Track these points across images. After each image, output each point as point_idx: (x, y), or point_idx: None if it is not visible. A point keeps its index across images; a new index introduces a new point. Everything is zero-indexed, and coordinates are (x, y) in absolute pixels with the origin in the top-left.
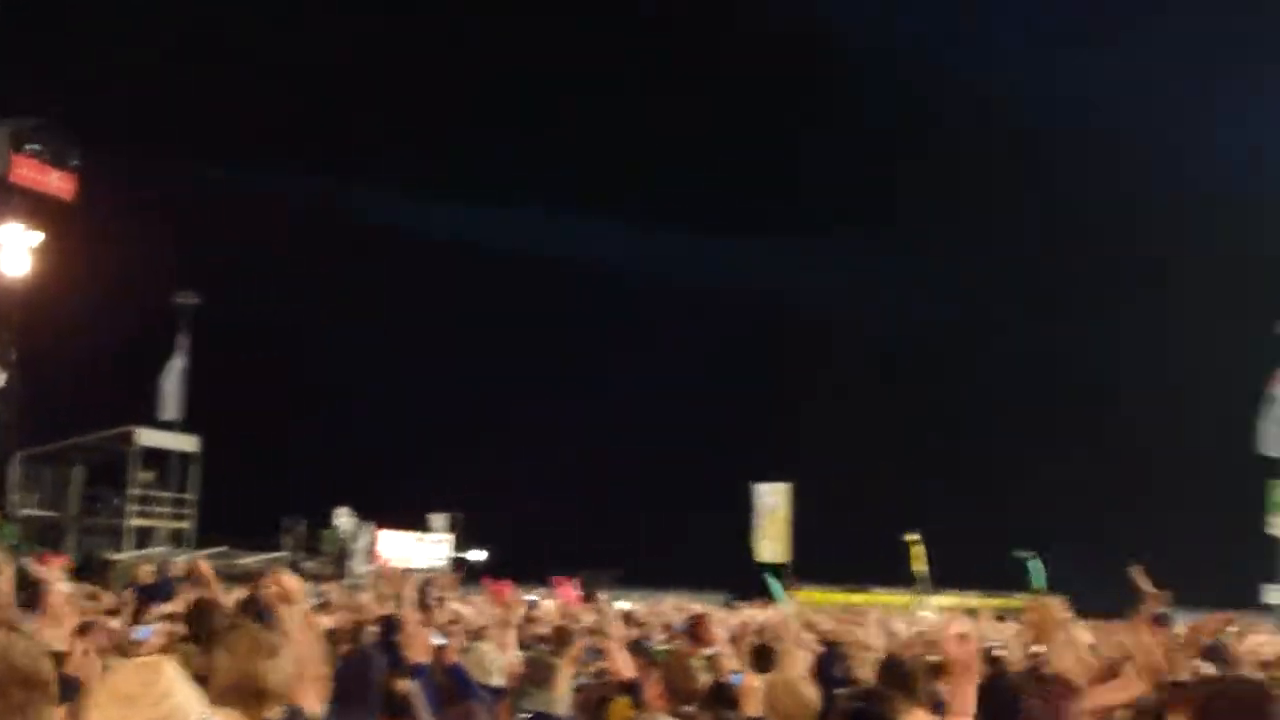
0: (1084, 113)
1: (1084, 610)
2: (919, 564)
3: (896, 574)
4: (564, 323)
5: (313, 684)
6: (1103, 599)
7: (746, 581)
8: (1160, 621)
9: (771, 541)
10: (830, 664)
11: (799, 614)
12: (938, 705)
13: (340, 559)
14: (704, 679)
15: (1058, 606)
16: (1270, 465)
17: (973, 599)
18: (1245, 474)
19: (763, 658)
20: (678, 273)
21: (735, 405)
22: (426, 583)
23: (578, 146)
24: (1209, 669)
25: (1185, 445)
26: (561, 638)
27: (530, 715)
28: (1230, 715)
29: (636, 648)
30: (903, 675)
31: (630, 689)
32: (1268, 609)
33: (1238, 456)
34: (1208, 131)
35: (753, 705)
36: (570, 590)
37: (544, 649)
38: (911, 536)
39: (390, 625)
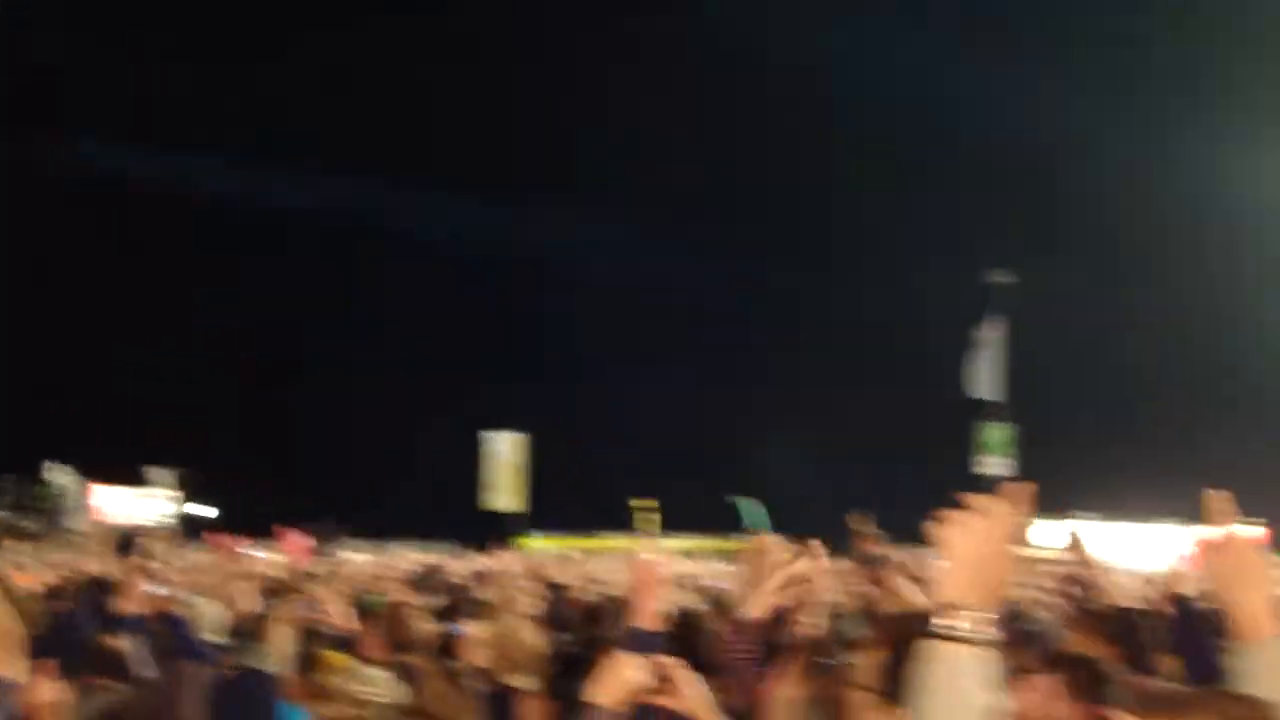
0: (795, 53)
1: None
2: (648, 525)
3: (629, 521)
4: (291, 274)
5: (5, 646)
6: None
7: (478, 530)
8: (873, 563)
9: (503, 491)
10: (558, 611)
11: (529, 561)
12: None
13: (54, 515)
14: (426, 629)
15: (776, 546)
16: (978, 408)
17: (698, 542)
18: (956, 416)
19: (489, 607)
20: (407, 223)
21: (467, 356)
22: (136, 536)
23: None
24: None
25: (898, 388)
26: (281, 590)
27: (239, 669)
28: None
29: (356, 600)
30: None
31: (346, 641)
32: None
33: (948, 399)
34: (917, 79)
35: (476, 654)
36: (299, 543)
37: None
38: (641, 503)
39: (102, 582)
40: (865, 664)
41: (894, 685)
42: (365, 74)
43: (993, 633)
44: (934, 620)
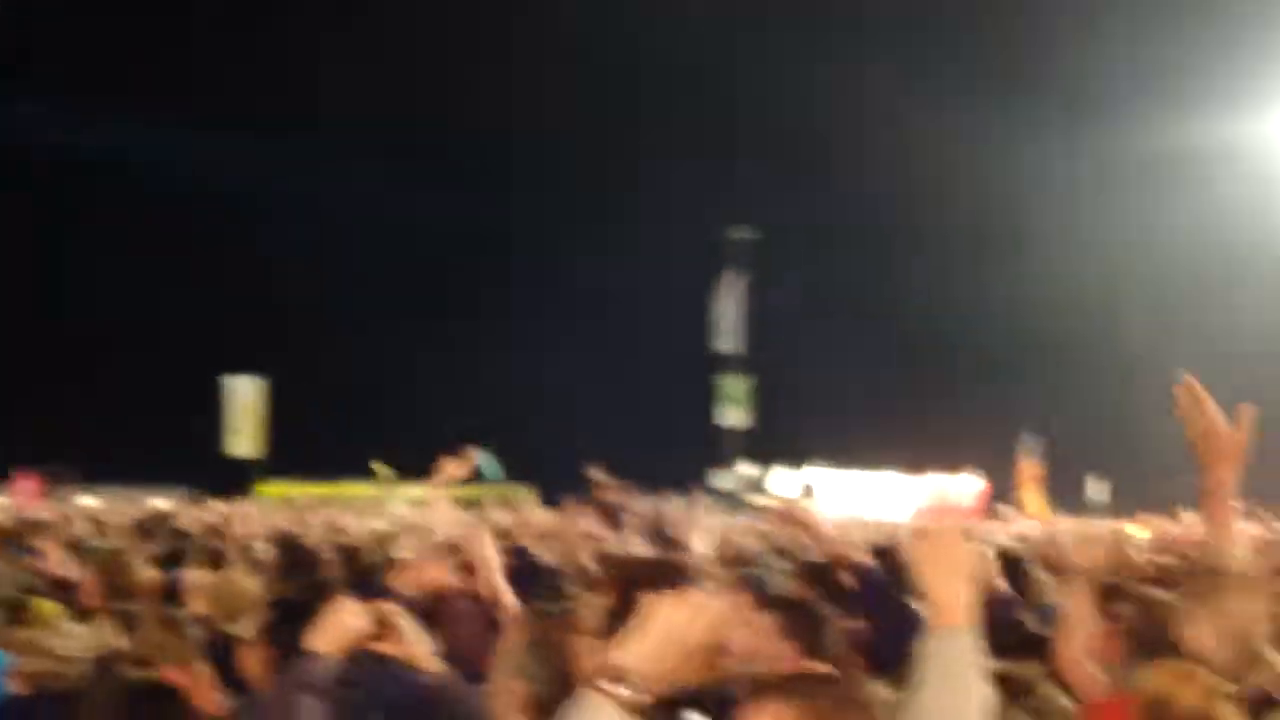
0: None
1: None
2: (386, 475)
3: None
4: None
5: None
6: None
7: (217, 476)
8: (610, 510)
9: (243, 435)
10: (289, 558)
11: (263, 508)
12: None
13: None
14: (147, 576)
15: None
16: (720, 360)
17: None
18: (700, 366)
19: (217, 556)
20: (136, 159)
21: (209, 298)
22: None
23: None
24: (647, 548)
25: (643, 340)
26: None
27: None
28: (646, 588)
29: (77, 546)
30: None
31: (63, 587)
32: (717, 494)
33: (692, 351)
34: (661, 35)
35: (197, 601)
36: (28, 488)
37: None
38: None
39: None
40: (591, 608)
41: (618, 629)
42: None
43: (644, 704)
44: (596, 677)
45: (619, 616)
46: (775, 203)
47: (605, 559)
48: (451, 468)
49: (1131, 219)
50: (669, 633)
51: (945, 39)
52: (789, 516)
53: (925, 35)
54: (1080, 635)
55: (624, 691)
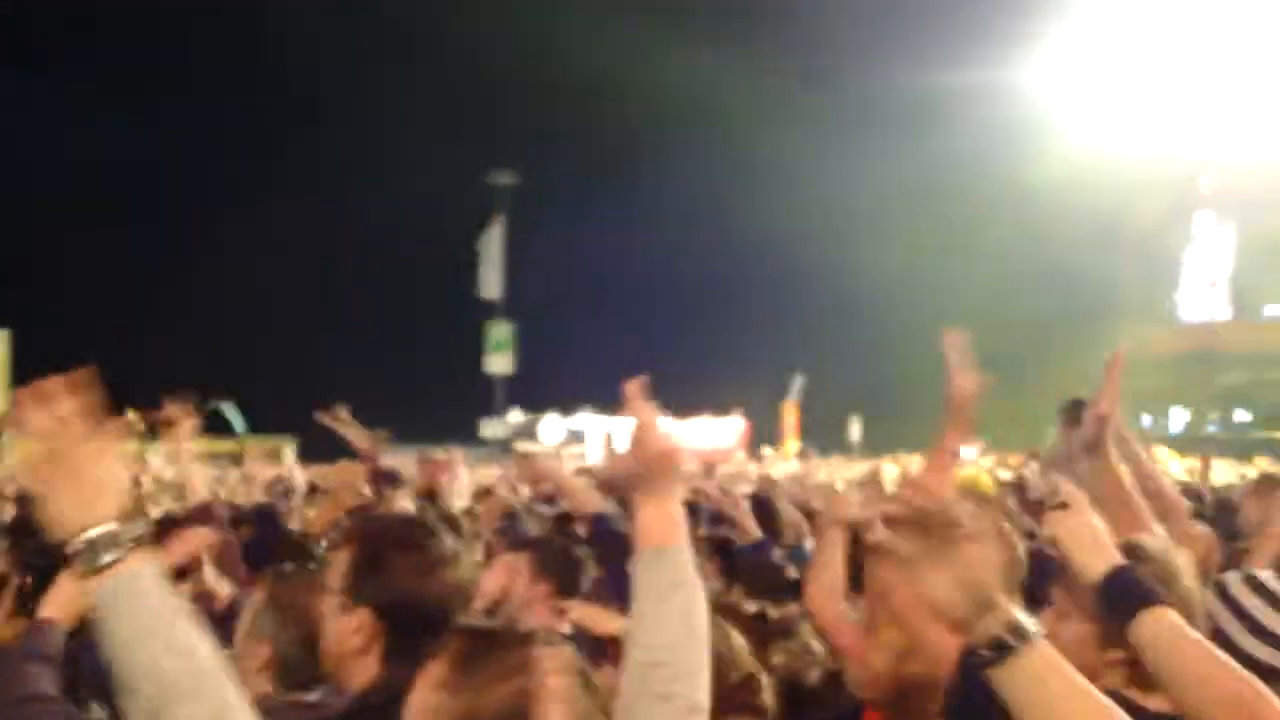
0: None
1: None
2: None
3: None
4: None
5: None
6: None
7: None
8: (365, 459)
9: None
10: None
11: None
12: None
13: None
14: None
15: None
16: (487, 308)
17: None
18: (465, 315)
19: None
20: None
21: None
22: None
23: None
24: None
25: (408, 287)
26: None
27: None
28: (391, 547)
29: None
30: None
31: None
32: (484, 442)
33: (459, 297)
34: None
35: None
36: None
37: None
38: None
39: None
40: (334, 564)
41: (359, 585)
42: None
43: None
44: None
45: (362, 575)
46: (537, 148)
47: (351, 516)
48: (180, 420)
49: (887, 158)
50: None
51: None
52: (531, 468)
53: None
54: (829, 578)
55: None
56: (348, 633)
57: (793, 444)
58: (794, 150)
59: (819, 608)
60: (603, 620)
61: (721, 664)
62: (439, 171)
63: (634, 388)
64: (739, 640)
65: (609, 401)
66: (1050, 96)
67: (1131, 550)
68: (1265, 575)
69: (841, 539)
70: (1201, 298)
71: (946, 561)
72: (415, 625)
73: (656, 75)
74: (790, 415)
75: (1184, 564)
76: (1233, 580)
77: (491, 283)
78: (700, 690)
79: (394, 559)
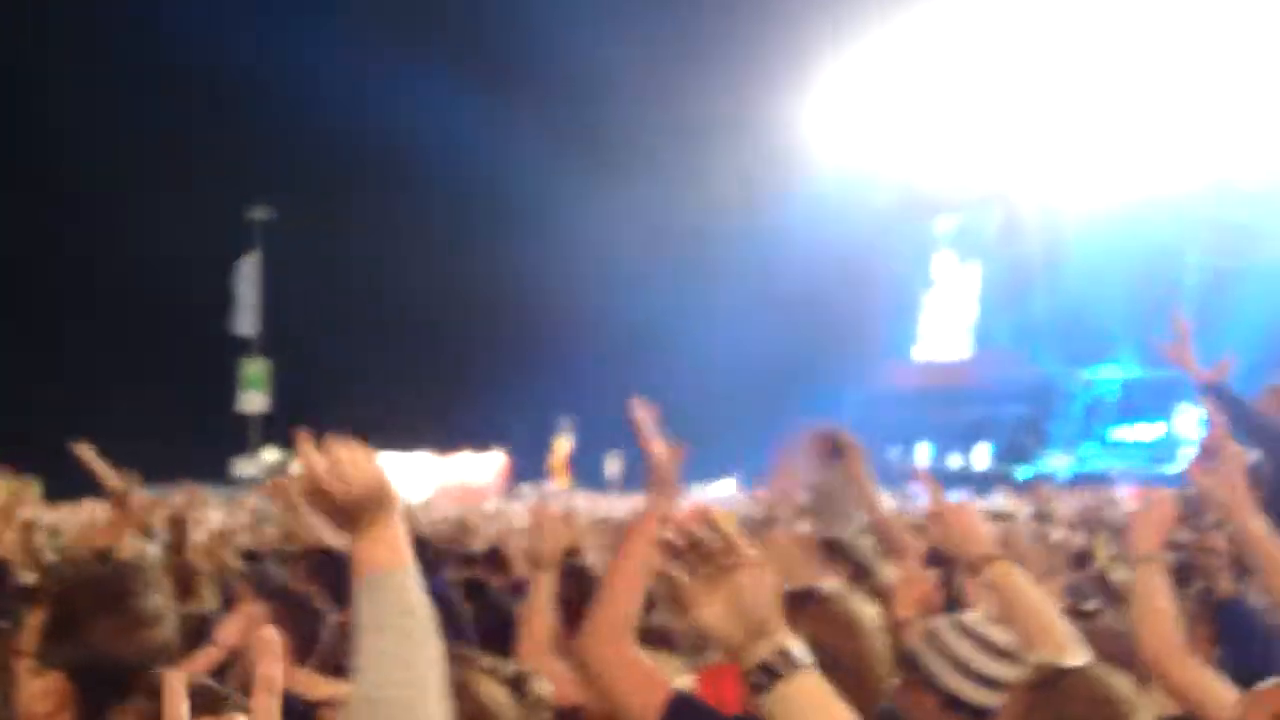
0: None
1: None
2: None
3: None
4: None
5: None
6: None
7: None
8: (119, 501)
9: None
10: None
11: None
12: None
13: None
14: None
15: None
16: (242, 344)
17: None
18: (219, 351)
19: None
20: None
21: None
22: None
23: None
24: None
25: (160, 324)
26: None
27: None
28: (83, 613)
29: None
30: None
31: None
32: (237, 481)
33: (212, 334)
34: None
35: None
36: None
37: None
38: None
39: None
40: (29, 624)
41: (50, 647)
42: None
43: None
44: None
45: (54, 638)
46: (293, 182)
47: (48, 571)
48: None
49: (646, 198)
50: None
51: (439, 26)
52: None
53: (424, 21)
54: (538, 625)
55: None
56: (37, 696)
57: (562, 479)
58: (551, 191)
59: (526, 657)
60: (314, 685)
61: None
62: (193, 206)
63: (304, 438)
64: (499, 696)
65: (367, 438)
66: (803, 134)
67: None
68: (975, 620)
69: (550, 584)
70: (943, 335)
71: (722, 588)
72: (109, 689)
73: (414, 112)
74: (561, 451)
75: (867, 614)
76: (942, 625)
77: (246, 319)
78: None
79: (89, 621)
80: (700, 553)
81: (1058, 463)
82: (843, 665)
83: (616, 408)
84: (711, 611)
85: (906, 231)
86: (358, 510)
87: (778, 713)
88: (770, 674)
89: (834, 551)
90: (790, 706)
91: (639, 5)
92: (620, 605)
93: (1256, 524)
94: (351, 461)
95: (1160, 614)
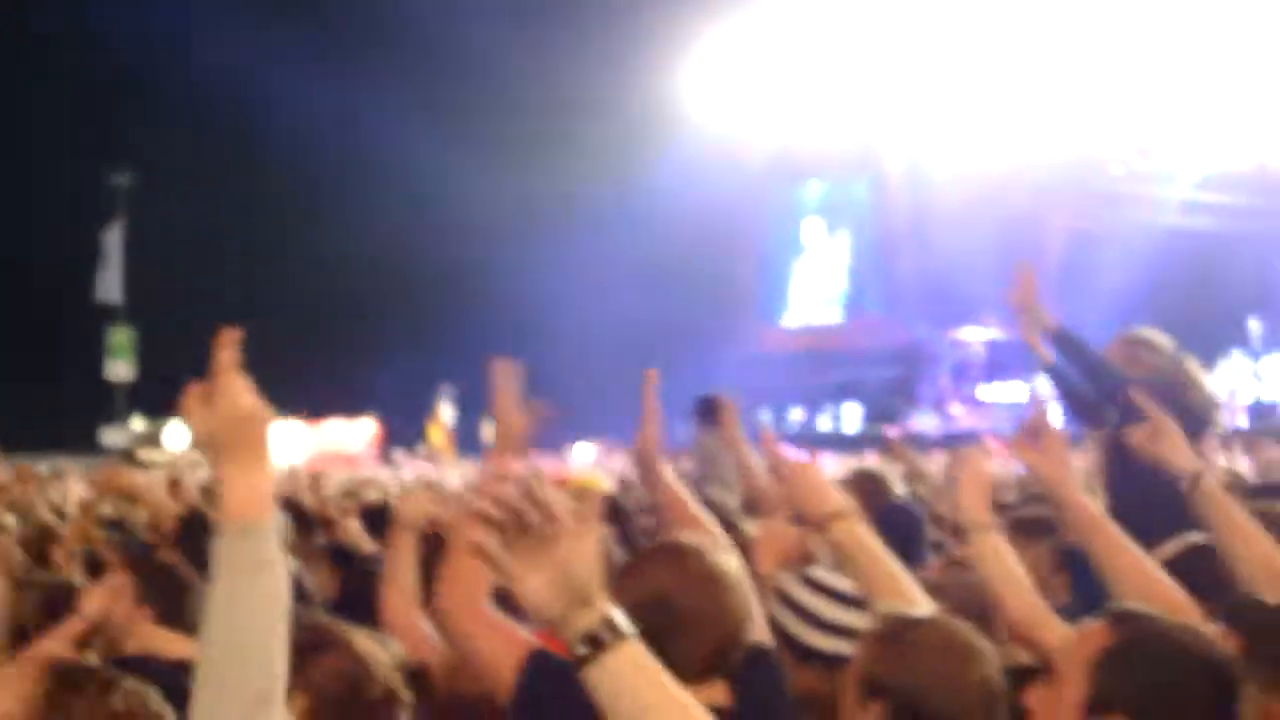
0: None
1: None
2: None
3: None
4: None
5: None
6: None
7: None
8: None
9: None
10: None
11: None
12: None
13: None
14: None
15: None
16: (108, 311)
17: None
18: (84, 320)
19: None
20: None
21: None
22: None
23: None
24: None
25: (22, 290)
26: None
27: None
28: None
29: None
30: None
31: None
32: (105, 450)
33: (77, 301)
34: None
35: None
36: None
37: None
38: None
39: None
40: None
41: None
42: None
43: None
44: None
45: None
46: (157, 147)
47: None
48: None
49: (526, 168)
50: None
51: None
52: (113, 483)
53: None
54: (399, 587)
55: None
56: None
57: (442, 446)
58: (424, 159)
59: (390, 620)
60: (171, 643)
61: (360, 678)
62: (55, 171)
63: (224, 346)
64: (382, 655)
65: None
66: (676, 100)
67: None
68: (820, 573)
69: (411, 543)
70: (814, 300)
71: (542, 558)
72: None
73: (283, 78)
74: (442, 418)
75: (730, 567)
76: (788, 580)
77: (111, 286)
78: (275, 680)
79: None
80: (518, 522)
81: (926, 423)
82: (705, 617)
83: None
84: (532, 582)
85: (778, 197)
86: (240, 440)
87: (604, 684)
88: (594, 644)
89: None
90: (616, 678)
91: None
92: (468, 567)
93: (1081, 500)
94: (228, 389)
95: (1009, 579)
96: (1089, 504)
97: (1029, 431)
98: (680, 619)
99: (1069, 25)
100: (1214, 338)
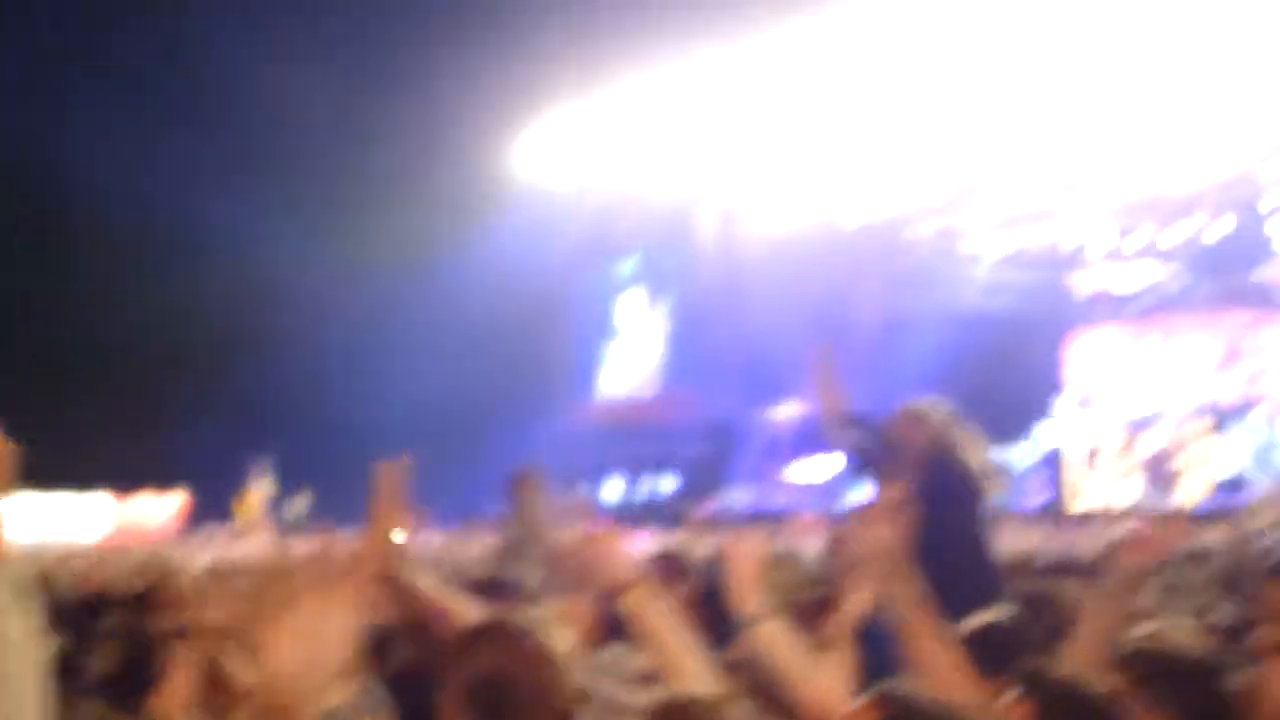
0: None
1: None
2: None
3: None
4: None
5: None
6: None
7: None
8: None
9: None
10: None
11: None
12: None
13: None
14: None
15: None
16: None
17: None
18: None
19: None
20: None
21: None
22: None
23: None
24: None
25: None
26: None
27: None
28: None
29: None
30: None
31: None
32: None
33: None
34: None
35: None
36: None
37: None
38: None
39: None
40: None
41: None
42: None
43: None
44: None
45: None
46: None
47: None
48: None
49: (331, 228)
50: None
51: (117, 57)
52: None
53: (103, 48)
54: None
55: None
56: None
57: (250, 517)
58: (241, 224)
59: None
60: None
61: None
62: None
63: None
64: None
65: (32, 478)
66: (499, 171)
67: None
68: (614, 652)
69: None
70: (631, 373)
71: (289, 633)
72: None
73: (90, 139)
74: (255, 491)
75: (554, 645)
76: (588, 659)
77: None
78: None
79: None
80: (268, 596)
81: (741, 498)
82: (527, 695)
83: (308, 444)
84: (278, 657)
85: (598, 270)
86: None
87: None
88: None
89: (500, 587)
90: None
91: (332, 36)
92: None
93: (911, 588)
94: None
95: (791, 665)
96: (912, 589)
97: (866, 517)
98: (511, 700)
99: (880, 103)
100: (1017, 414)
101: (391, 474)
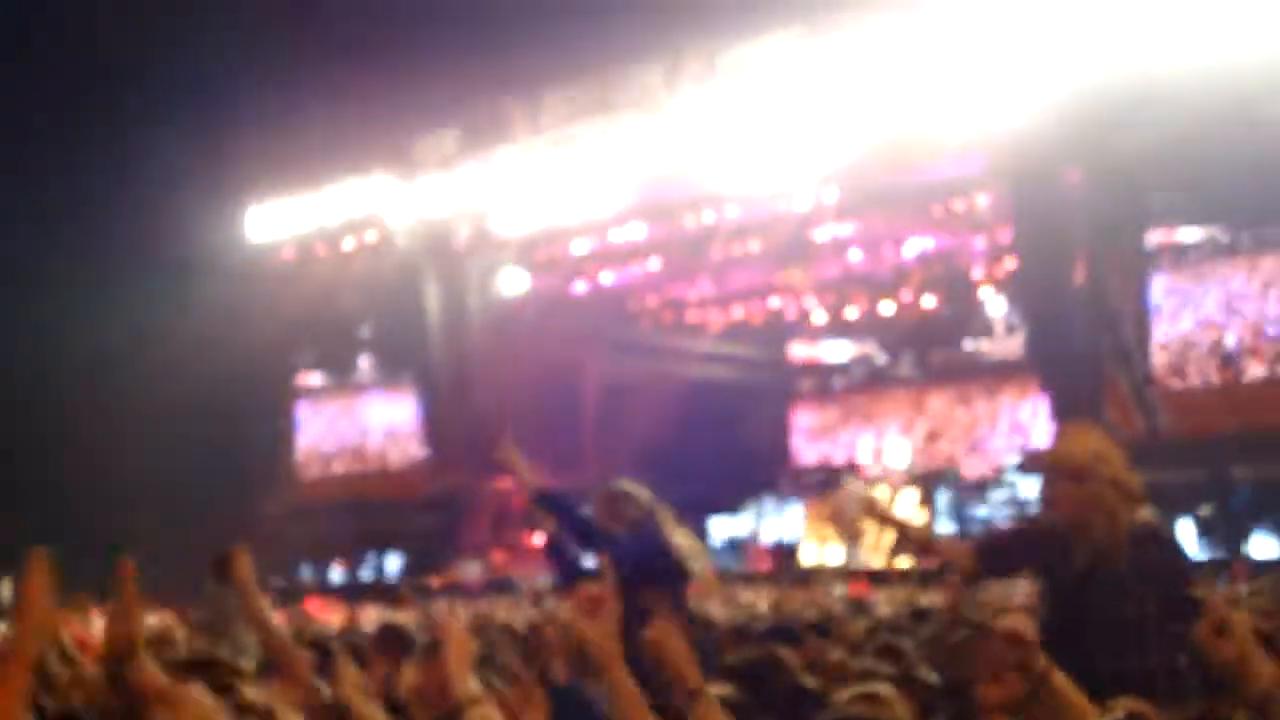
0: None
1: None
2: None
3: None
4: None
5: None
6: None
7: None
8: None
9: None
10: None
11: None
12: None
13: None
14: None
15: None
16: None
17: None
18: None
19: None
20: None
21: None
22: None
23: None
24: None
25: None
26: None
27: None
28: None
29: None
30: None
31: None
32: None
33: None
34: None
35: None
36: None
37: None
38: None
39: None
40: None
41: None
42: None
43: None
44: None
45: None
46: None
47: None
48: None
49: (30, 310)
50: None
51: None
52: None
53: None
54: None
55: None
56: None
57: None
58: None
59: None
60: None
61: None
62: None
63: None
64: None
65: None
66: (204, 259)
67: None
68: None
69: None
70: (360, 447)
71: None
72: None
73: None
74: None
75: None
76: None
77: None
78: None
79: None
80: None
81: (470, 571)
82: None
83: (19, 519)
84: None
85: (325, 341)
86: None
87: None
88: None
89: (208, 666)
90: None
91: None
92: None
93: (617, 676)
94: None
95: None
96: (622, 679)
97: (587, 602)
98: None
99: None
100: (740, 480)
101: (39, 564)
